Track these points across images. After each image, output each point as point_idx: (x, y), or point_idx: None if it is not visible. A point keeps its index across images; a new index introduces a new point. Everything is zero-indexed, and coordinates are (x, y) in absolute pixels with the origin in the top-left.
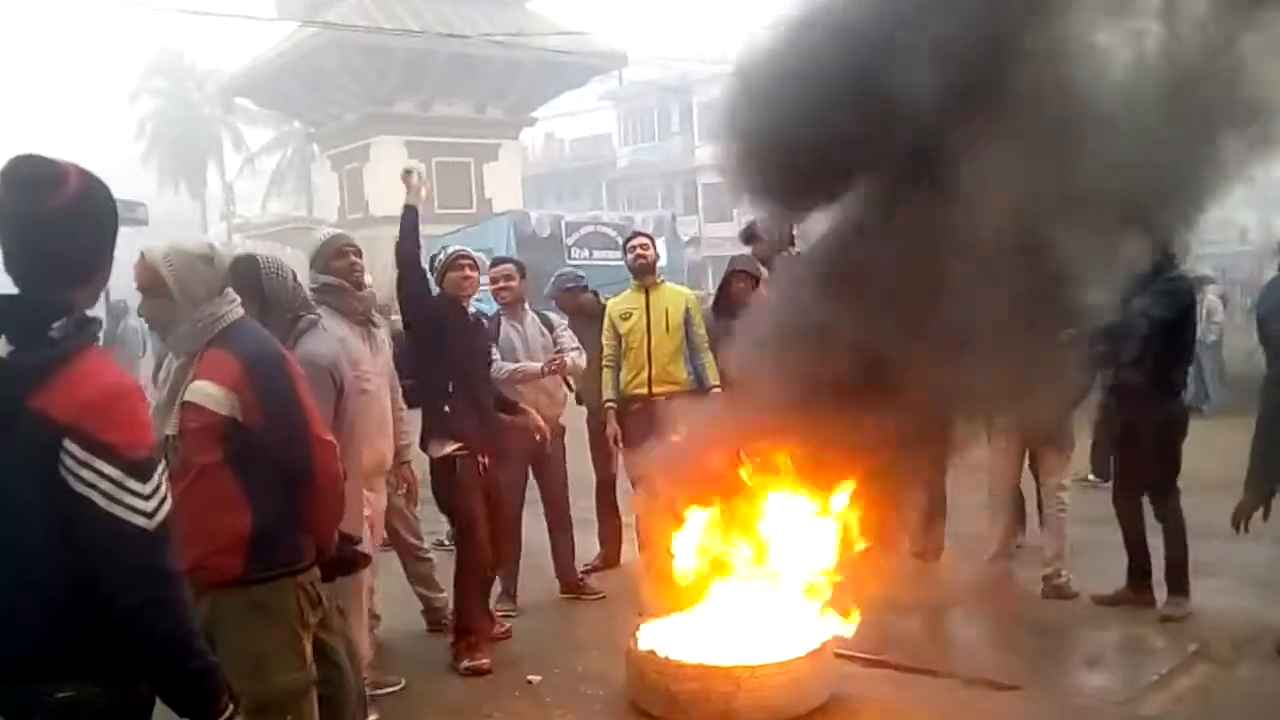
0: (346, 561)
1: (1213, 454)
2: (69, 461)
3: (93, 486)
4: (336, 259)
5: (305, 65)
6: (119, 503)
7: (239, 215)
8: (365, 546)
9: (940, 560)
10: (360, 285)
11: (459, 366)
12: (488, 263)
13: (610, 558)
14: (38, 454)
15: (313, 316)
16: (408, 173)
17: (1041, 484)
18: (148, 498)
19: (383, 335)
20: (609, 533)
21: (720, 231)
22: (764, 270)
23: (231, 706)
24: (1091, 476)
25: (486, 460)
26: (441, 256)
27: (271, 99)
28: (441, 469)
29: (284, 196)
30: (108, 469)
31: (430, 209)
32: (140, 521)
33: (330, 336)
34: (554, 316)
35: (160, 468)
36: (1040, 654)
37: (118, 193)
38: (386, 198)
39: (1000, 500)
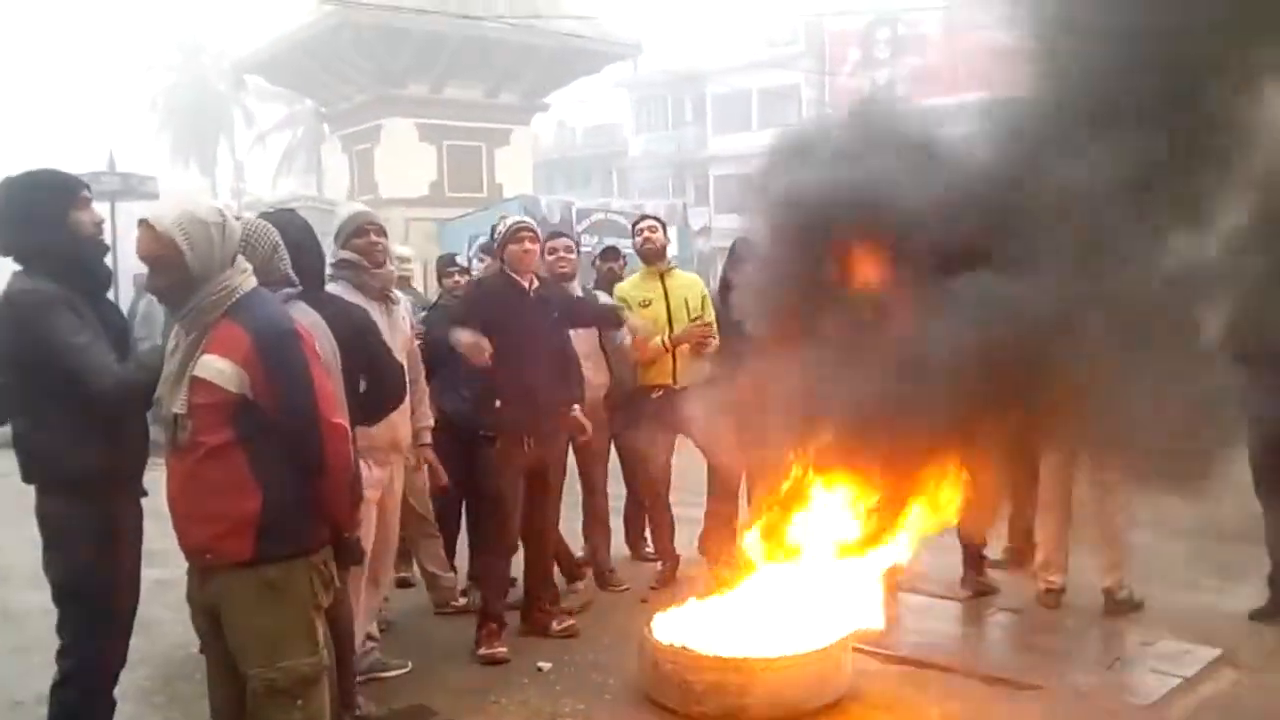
0: (341, 552)
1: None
2: None
3: None
4: (357, 236)
5: (318, 44)
6: None
7: (249, 192)
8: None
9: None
10: (379, 264)
11: (505, 358)
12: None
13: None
14: None
15: (291, 291)
16: None
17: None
18: None
19: (401, 312)
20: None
21: (731, 222)
22: None
23: None
24: None
25: (532, 441)
26: (502, 227)
27: (284, 77)
28: (480, 444)
29: (294, 175)
30: None
31: (441, 192)
32: None
33: (311, 313)
34: (601, 295)
35: None
36: (1062, 654)
37: (130, 166)
38: (396, 179)
39: (1052, 504)
